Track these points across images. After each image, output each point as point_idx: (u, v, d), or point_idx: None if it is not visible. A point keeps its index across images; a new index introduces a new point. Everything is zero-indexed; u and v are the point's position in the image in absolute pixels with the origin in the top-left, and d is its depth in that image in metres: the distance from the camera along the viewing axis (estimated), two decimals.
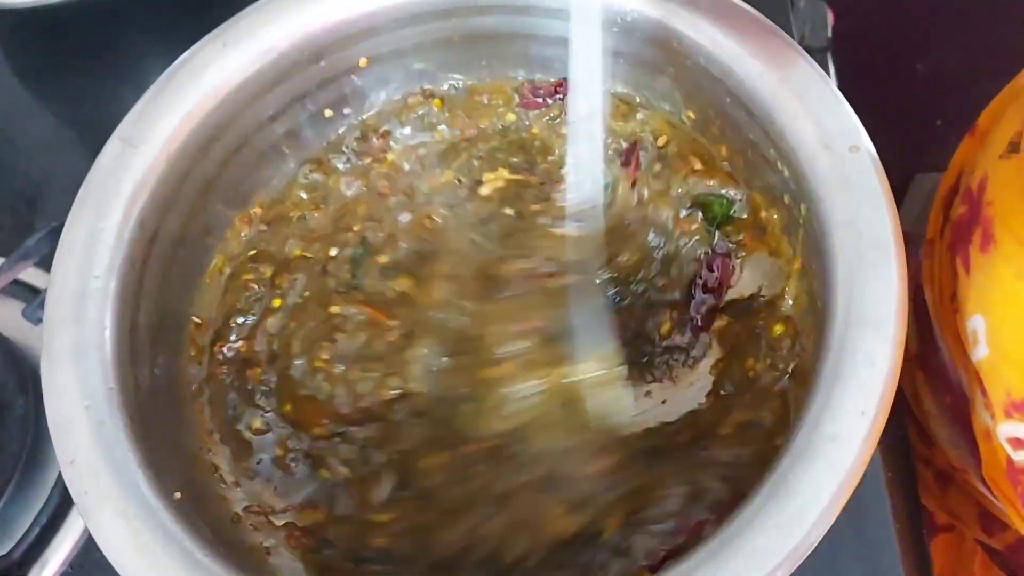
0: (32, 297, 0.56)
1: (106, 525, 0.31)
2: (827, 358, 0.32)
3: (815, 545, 0.29)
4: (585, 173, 0.43)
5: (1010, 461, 0.53)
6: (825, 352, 0.32)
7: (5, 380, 0.54)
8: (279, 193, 0.45)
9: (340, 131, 0.46)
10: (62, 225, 0.54)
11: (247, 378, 0.41)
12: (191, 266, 0.41)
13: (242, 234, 0.44)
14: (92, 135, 0.65)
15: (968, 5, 0.83)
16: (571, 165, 0.43)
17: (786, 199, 0.39)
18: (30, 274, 0.58)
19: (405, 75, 0.45)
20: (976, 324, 0.54)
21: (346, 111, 0.45)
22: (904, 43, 0.90)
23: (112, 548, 0.31)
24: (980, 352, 0.54)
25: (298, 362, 0.41)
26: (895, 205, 0.34)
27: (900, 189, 0.73)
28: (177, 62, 0.39)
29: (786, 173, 0.37)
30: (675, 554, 0.33)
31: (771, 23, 0.38)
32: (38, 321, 0.56)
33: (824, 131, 0.35)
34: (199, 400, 0.40)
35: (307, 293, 0.43)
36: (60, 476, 0.51)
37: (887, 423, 0.46)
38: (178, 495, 0.33)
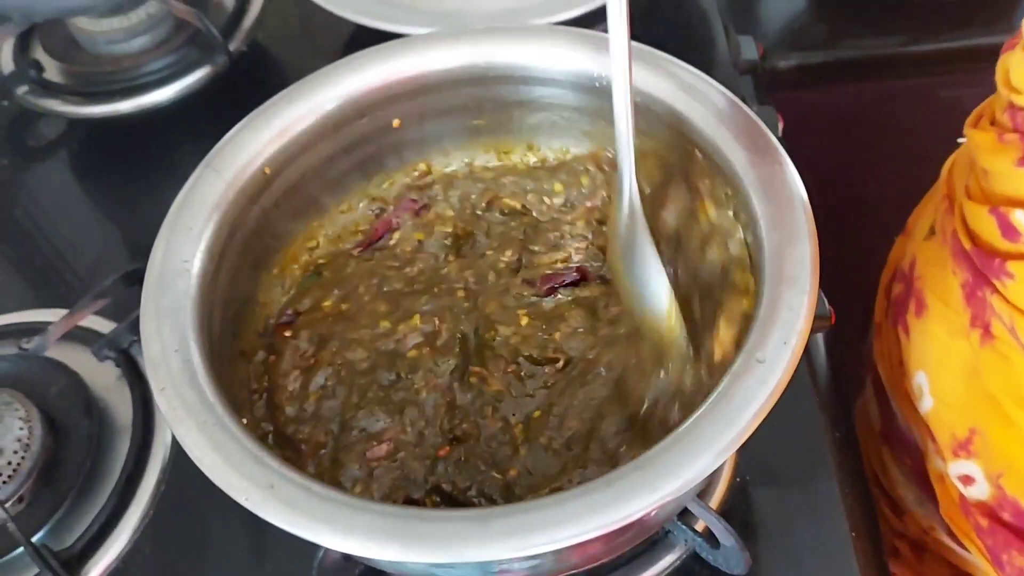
0: (97, 340, 0.65)
1: (189, 431, 0.39)
2: (761, 306, 0.41)
3: (747, 436, 0.37)
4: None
5: (962, 497, 0.59)
6: (759, 303, 0.41)
7: (72, 406, 0.62)
8: (335, 223, 0.56)
9: (375, 182, 0.57)
10: (133, 271, 0.64)
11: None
12: (260, 262, 0.52)
13: (307, 246, 0.54)
14: (135, 232, 0.75)
15: (910, 124, 0.95)
16: None
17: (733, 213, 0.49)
18: (94, 321, 0.67)
19: (426, 137, 0.56)
20: (920, 379, 0.62)
21: (382, 165, 0.56)
22: (853, 164, 1.01)
23: (193, 447, 0.39)
24: (926, 404, 0.61)
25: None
26: (808, 203, 0.44)
27: (865, 305, 0.81)
28: (253, 112, 0.51)
29: (729, 191, 0.47)
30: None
31: (715, 83, 0.49)
32: (104, 358, 0.64)
33: (754, 153, 0.46)
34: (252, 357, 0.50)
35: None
36: (116, 485, 0.59)
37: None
38: (244, 420, 0.41)
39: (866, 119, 1.00)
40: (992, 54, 0.90)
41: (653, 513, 0.37)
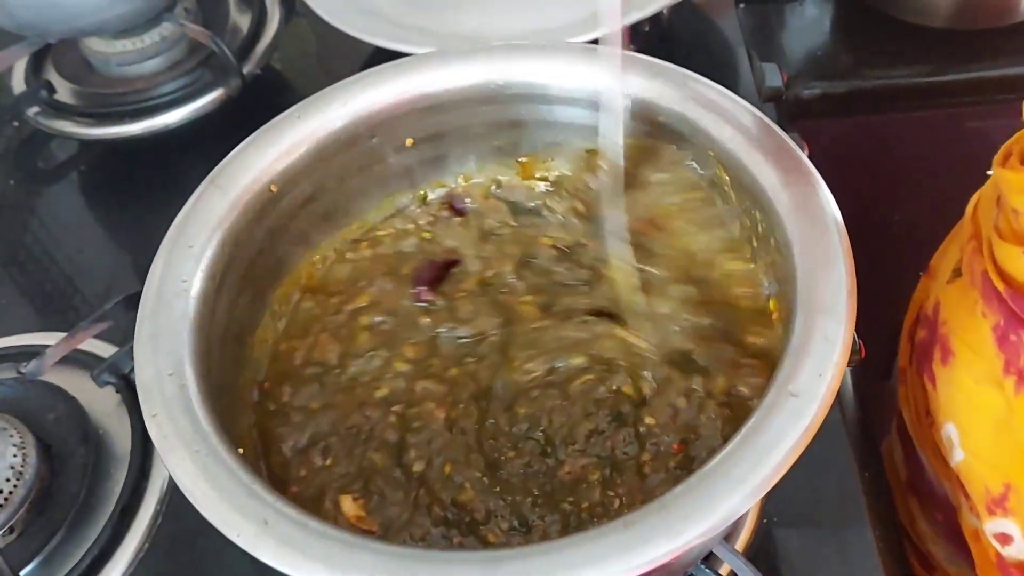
0: (97, 364, 0.62)
1: (180, 460, 0.37)
2: (793, 337, 0.38)
3: (780, 476, 0.34)
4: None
5: (999, 557, 0.55)
6: (792, 333, 0.38)
7: (69, 433, 0.60)
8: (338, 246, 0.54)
9: (388, 203, 0.55)
10: (136, 294, 0.62)
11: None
12: (263, 283, 0.49)
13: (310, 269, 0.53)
14: (144, 256, 0.74)
15: (936, 156, 0.92)
16: None
17: (756, 241, 0.46)
18: (95, 345, 0.65)
19: (441, 157, 0.54)
20: (949, 431, 0.59)
21: (393, 186, 0.54)
22: (879, 196, 0.99)
23: (184, 477, 0.36)
24: (957, 456, 0.58)
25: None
26: (843, 225, 0.41)
27: (892, 341, 0.79)
28: (260, 129, 0.49)
29: (758, 215, 0.45)
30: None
31: (744, 102, 0.47)
32: (104, 384, 0.62)
33: (785, 174, 0.43)
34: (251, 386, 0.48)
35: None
36: (110, 517, 0.56)
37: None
38: (240, 450, 0.39)
39: (891, 151, 0.98)
40: (1020, 85, 0.87)
41: (676, 558, 0.34)
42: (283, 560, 0.34)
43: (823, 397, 0.36)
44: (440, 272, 0.52)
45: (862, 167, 0.96)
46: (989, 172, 0.87)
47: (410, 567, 0.33)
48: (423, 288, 0.51)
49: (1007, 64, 0.89)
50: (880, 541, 0.53)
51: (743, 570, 0.44)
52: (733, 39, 0.85)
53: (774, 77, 0.80)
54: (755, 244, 0.47)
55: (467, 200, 0.55)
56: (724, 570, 0.47)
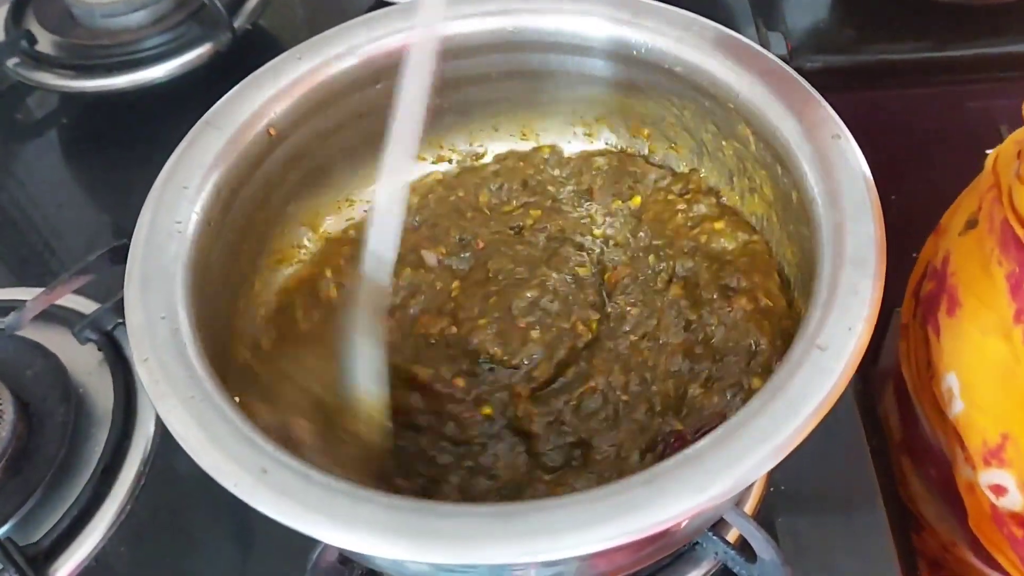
0: (79, 321, 0.60)
1: (173, 407, 0.35)
2: (820, 291, 0.36)
3: (808, 432, 0.33)
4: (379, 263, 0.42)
5: (993, 508, 0.55)
6: (818, 287, 0.37)
7: (49, 392, 0.58)
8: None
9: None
10: (120, 246, 0.59)
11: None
12: (263, 234, 0.47)
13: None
14: (127, 213, 0.71)
15: (936, 137, 0.91)
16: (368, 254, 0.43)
17: (780, 206, 0.45)
18: (77, 302, 0.63)
19: (447, 108, 0.52)
20: (950, 382, 0.58)
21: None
22: (877, 175, 0.98)
23: (177, 425, 0.34)
24: (956, 407, 0.57)
25: None
26: (871, 177, 0.40)
27: (882, 323, 0.78)
28: (259, 70, 0.46)
29: (780, 170, 0.43)
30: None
31: (758, 47, 0.45)
32: (85, 340, 0.60)
33: (809, 125, 0.42)
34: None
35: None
36: (91, 477, 0.54)
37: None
38: (237, 399, 0.36)
39: (891, 128, 0.96)
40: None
41: (693, 517, 0.33)
42: (283, 511, 0.32)
43: (852, 351, 0.34)
44: None
45: (861, 144, 0.95)
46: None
47: (417, 519, 0.31)
48: None
49: (1011, 41, 0.88)
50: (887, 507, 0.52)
51: (754, 535, 0.42)
52: (737, 7, 0.84)
53: (779, 46, 0.78)
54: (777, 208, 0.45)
55: None
56: (731, 536, 0.46)
